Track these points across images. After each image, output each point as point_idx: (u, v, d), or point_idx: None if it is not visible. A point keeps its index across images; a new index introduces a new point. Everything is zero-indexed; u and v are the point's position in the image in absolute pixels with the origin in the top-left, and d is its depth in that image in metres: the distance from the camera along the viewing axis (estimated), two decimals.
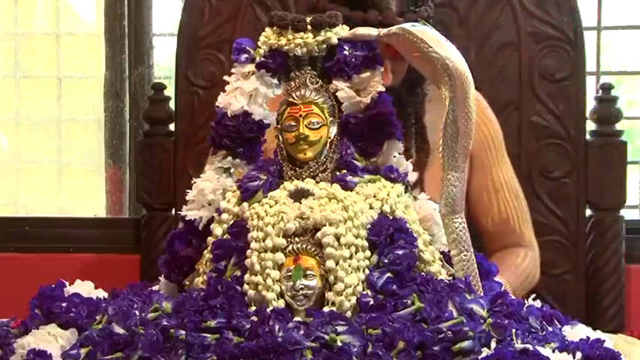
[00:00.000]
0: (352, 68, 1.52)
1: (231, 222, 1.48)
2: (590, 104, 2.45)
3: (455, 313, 1.34)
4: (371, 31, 1.52)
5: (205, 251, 1.50)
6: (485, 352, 1.30)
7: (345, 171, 1.50)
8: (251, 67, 1.55)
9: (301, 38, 1.52)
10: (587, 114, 2.45)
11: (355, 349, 1.28)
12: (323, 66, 1.54)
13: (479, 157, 2.03)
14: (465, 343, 1.30)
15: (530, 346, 1.30)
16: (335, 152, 1.51)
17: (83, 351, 1.36)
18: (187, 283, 1.55)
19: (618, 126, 2.46)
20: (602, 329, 1.50)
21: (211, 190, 1.54)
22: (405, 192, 1.52)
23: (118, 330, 1.37)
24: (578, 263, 2.43)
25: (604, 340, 1.36)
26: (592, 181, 2.42)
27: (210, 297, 1.39)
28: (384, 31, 1.50)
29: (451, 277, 1.47)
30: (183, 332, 1.33)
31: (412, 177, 1.55)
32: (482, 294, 1.44)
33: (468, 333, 1.30)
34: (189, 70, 2.46)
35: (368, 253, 1.42)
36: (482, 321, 1.33)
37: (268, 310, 1.36)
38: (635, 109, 3.04)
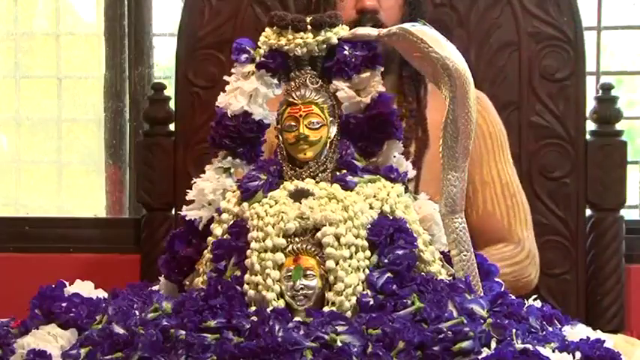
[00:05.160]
0: (352, 68, 1.52)
1: (231, 222, 1.48)
2: (590, 104, 2.46)
3: (455, 313, 1.34)
4: (371, 31, 1.52)
5: (205, 251, 1.50)
6: (485, 352, 1.30)
7: (345, 171, 1.50)
8: (251, 67, 1.55)
9: (301, 38, 1.52)
10: (587, 114, 2.45)
11: (355, 349, 1.28)
12: (323, 66, 1.53)
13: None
14: (465, 343, 1.30)
15: (530, 346, 1.30)
16: (335, 152, 1.51)
17: (83, 351, 1.36)
18: (187, 283, 1.55)
19: (618, 126, 2.46)
20: (602, 329, 1.50)
21: (211, 190, 1.54)
22: (405, 192, 1.52)
23: (118, 330, 1.37)
24: (578, 263, 2.43)
25: (604, 340, 1.36)
26: (592, 181, 2.42)
27: (210, 297, 1.39)
28: (384, 31, 1.50)
29: (451, 277, 1.47)
30: (183, 332, 1.33)
31: (412, 175, 1.56)
32: (482, 294, 1.44)
33: (468, 333, 1.30)
34: (189, 70, 2.46)
35: (368, 253, 1.42)
36: (482, 321, 1.33)
37: (268, 310, 1.36)
38: (635, 109, 3.04)
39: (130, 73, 2.84)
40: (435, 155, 1.90)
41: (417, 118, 2.05)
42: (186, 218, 1.56)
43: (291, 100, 1.50)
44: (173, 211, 2.48)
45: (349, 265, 1.39)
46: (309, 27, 1.52)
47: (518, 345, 1.30)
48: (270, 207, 1.44)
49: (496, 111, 2.18)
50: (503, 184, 2.10)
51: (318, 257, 1.40)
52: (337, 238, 1.40)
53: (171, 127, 2.51)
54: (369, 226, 1.43)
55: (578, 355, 1.32)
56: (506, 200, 2.10)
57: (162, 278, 1.59)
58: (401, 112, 1.89)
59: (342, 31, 1.53)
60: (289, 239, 1.41)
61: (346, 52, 1.52)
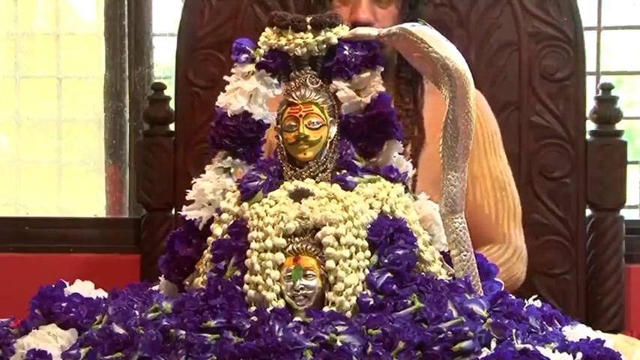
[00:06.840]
0: (352, 68, 1.52)
1: (231, 222, 1.48)
2: (590, 104, 2.46)
3: (455, 313, 1.34)
4: (371, 31, 1.52)
5: (205, 251, 1.50)
6: (485, 352, 1.30)
7: (345, 171, 1.50)
8: (251, 67, 1.55)
9: (301, 38, 1.52)
10: (587, 114, 2.45)
11: (355, 349, 1.28)
12: (323, 66, 1.53)
13: None
14: (465, 343, 1.30)
15: (530, 346, 1.30)
16: (335, 152, 1.51)
17: (83, 351, 1.36)
18: (187, 283, 1.55)
19: (618, 126, 2.46)
20: (602, 329, 1.50)
21: (211, 190, 1.54)
22: (405, 192, 1.52)
23: (118, 330, 1.37)
24: (578, 263, 2.43)
25: (604, 340, 1.36)
26: (592, 181, 2.42)
27: (210, 297, 1.39)
28: (384, 31, 1.50)
29: (451, 277, 1.47)
30: (183, 332, 1.33)
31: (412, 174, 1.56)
32: (482, 294, 1.44)
33: (468, 333, 1.30)
34: (189, 70, 2.46)
35: (368, 253, 1.42)
36: (482, 321, 1.33)
37: (268, 310, 1.36)
38: (635, 109, 3.04)
39: (130, 73, 2.84)
40: (431, 154, 1.90)
41: (413, 118, 2.05)
42: (186, 218, 1.56)
43: (291, 100, 1.50)
44: (173, 211, 2.48)
45: (349, 265, 1.39)
46: (309, 27, 1.52)
47: (518, 345, 1.30)
48: (270, 207, 1.44)
49: (495, 111, 2.18)
50: (494, 178, 2.10)
51: (318, 257, 1.40)
52: (337, 238, 1.40)
53: (172, 127, 2.51)
54: (369, 226, 1.43)
55: (578, 355, 1.31)
56: (496, 194, 2.09)
57: (162, 278, 1.59)
58: (397, 112, 1.90)
59: (342, 31, 1.53)
60: (289, 239, 1.41)
61: (346, 52, 1.52)
